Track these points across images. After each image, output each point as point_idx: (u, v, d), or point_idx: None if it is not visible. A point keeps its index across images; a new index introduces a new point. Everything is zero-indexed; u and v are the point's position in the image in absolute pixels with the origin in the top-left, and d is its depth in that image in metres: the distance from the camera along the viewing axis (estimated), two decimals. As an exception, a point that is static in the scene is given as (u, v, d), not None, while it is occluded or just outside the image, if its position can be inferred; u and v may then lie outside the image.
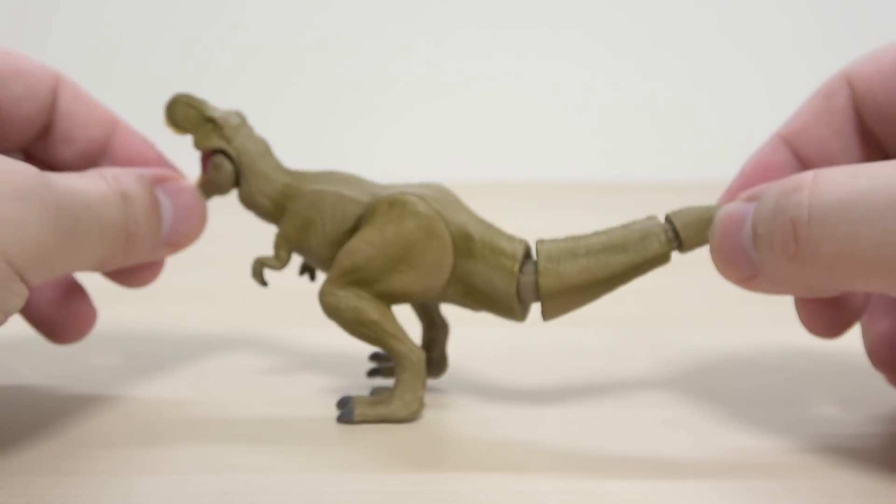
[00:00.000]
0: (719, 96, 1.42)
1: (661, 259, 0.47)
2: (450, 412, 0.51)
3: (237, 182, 0.51)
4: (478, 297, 0.49)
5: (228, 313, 0.70)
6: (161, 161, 0.54)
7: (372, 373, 0.54)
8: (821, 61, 1.35)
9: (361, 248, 0.48)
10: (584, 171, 1.38)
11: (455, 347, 0.54)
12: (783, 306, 0.55)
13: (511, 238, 0.49)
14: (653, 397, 0.53)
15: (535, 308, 0.50)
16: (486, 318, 0.52)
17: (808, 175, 0.39)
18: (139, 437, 0.47)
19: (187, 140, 0.52)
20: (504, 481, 0.42)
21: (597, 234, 0.48)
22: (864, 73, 0.45)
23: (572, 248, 0.48)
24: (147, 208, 0.48)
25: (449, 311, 0.54)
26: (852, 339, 0.54)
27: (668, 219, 0.48)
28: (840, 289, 0.40)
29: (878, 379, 0.55)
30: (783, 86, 1.38)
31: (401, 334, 0.49)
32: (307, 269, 0.54)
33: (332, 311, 0.48)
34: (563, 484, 0.42)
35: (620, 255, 0.47)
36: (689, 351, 0.61)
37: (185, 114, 0.51)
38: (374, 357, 0.55)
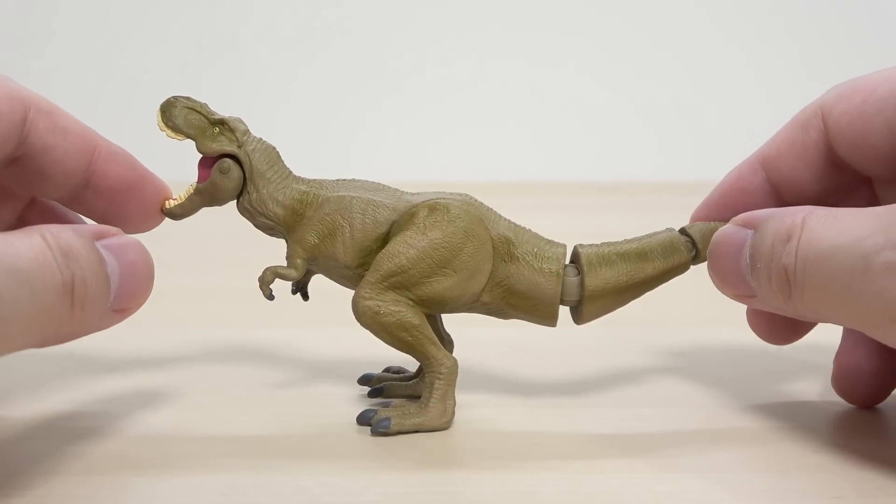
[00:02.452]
0: (716, 98, 1.42)
1: (684, 267, 0.51)
2: (450, 412, 0.51)
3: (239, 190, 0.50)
4: (517, 302, 0.49)
5: (228, 313, 0.69)
6: (147, 179, 0.50)
7: (373, 392, 0.52)
8: (818, 61, 1.36)
9: (406, 251, 0.47)
10: (584, 171, 1.38)
11: (456, 347, 0.54)
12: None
13: (551, 242, 0.50)
14: (653, 397, 0.53)
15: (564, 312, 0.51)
16: (486, 318, 0.52)
17: (799, 220, 0.43)
18: (137, 437, 0.47)
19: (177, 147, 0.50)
20: (504, 481, 0.42)
21: (628, 241, 0.51)
22: (835, 112, 0.48)
23: (610, 254, 0.50)
24: (95, 266, 0.41)
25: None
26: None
27: (683, 231, 0.51)
28: (827, 323, 0.45)
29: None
30: (780, 86, 1.39)
31: (437, 341, 0.48)
32: (300, 289, 0.53)
33: (371, 315, 0.47)
34: (563, 484, 0.42)
35: (652, 262, 0.50)
36: (689, 351, 0.61)
37: (186, 117, 0.49)
38: (364, 381, 0.53)
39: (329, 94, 1.40)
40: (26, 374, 0.56)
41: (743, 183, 0.52)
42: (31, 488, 0.41)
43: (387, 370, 0.54)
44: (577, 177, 1.37)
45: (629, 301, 0.51)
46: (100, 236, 0.42)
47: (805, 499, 0.41)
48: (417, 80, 1.41)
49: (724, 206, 0.52)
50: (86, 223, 0.52)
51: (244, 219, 0.51)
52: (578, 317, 0.51)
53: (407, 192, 0.51)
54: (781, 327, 0.52)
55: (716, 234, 0.47)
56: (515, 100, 1.41)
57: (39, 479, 0.42)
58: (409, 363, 0.55)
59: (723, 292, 0.47)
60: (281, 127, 1.37)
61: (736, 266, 0.46)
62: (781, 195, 0.51)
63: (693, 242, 0.50)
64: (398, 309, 0.47)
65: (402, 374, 0.54)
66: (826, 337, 0.52)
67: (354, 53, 1.40)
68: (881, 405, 0.51)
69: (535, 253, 0.49)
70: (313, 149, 1.36)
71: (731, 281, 0.46)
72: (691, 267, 0.51)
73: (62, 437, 0.47)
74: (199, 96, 0.50)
